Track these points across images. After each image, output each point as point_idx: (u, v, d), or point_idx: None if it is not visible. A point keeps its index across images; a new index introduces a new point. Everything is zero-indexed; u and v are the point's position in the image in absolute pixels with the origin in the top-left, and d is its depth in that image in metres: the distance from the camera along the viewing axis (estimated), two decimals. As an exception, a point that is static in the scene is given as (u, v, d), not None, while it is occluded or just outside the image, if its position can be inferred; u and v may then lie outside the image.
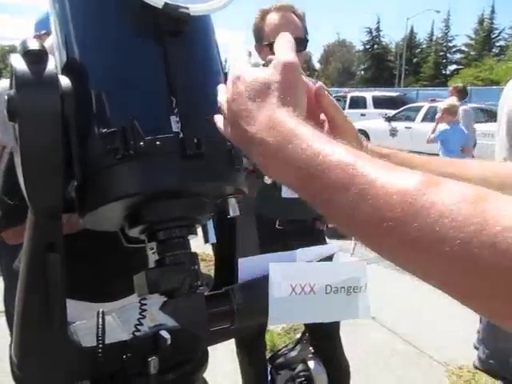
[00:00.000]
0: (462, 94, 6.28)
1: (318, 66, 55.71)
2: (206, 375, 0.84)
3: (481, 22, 43.52)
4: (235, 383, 2.32)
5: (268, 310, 0.69)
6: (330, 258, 0.76)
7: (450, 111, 5.29)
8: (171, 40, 0.63)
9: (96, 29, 0.67)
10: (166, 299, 0.66)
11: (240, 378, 2.27)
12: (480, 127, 10.49)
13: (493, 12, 43.04)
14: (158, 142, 0.59)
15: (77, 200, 0.65)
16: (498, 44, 43.44)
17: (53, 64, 0.59)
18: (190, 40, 0.65)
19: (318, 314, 0.73)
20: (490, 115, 11.54)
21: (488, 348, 2.71)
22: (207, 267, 4.10)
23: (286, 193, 1.87)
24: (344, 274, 0.73)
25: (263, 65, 0.58)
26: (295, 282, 0.70)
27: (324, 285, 0.71)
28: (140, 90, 0.63)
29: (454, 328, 3.19)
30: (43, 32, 1.99)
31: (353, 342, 2.86)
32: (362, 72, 52.07)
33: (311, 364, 2.18)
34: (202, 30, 0.70)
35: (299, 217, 1.98)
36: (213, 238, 0.77)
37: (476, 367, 2.77)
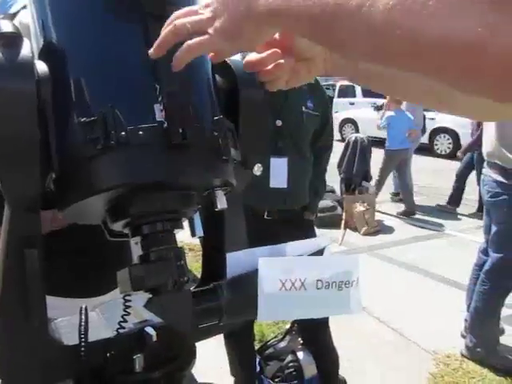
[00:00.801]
0: None
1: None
2: (194, 367, 0.82)
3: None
4: (224, 374, 2.31)
5: (257, 306, 0.66)
6: (320, 252, 0.74)
7: (394, 99, 5.75)
8: (156, 24, 0.60)
9: (75, 12, 0.63)
10: (150, 296, 0.63)
11: (229, 370, 2.26)
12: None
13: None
14: (140, 132, 0.56)
15: (56, 193, 0.62)
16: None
17: (28, 48, 0.56)
18: None
19: (309, 310, 0.71)
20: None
21: (475, 336, 2.74)
22: (196, 257, 4.09)
23: (274, 183, 1.86)
24: (336, 268, 0.71)
25: None
26: (285, 278, 0.67)
27: (315, 280, 0.69)
28: (122, 76, 0.59)
29: (441, 317, 3.22)
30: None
31: (342, 332, 2.87)
32: (352, 61, 52.02)
33: (300, 355, 2.18)
34: None
35: (287, 207, 1.97)
36: (200, 232, 0.74)
37: (463, 355, 2.80)
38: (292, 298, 0.68)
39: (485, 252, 2.85)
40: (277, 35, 0.65)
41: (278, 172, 1.85)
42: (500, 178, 2.56)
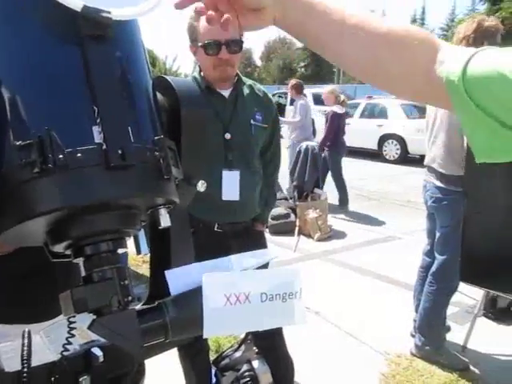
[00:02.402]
0: (298, 89, 7.18)
1: (259, 62, 56.01)
2: (149, 380, 0.82)
3: (413, 21, 45.54)
4: (180, 387, 2.28)
5: (203, 322, 0.67)
6: (265, 266, 0.76)
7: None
8: (91, 45, 0.60)
9: (10, 30, 0.62)
10: (94, 317, 0.63)
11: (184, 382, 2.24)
12: (413, 123, 11.02)
13: (423, 13, 45.37)
14: (78, 154, 0.56)
15: None
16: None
17: None
18: (111, 44, 0.62)
19: (254, 323, 0.72)
20: (422, 111, 12.10)
21: (423, 335, 2.84)
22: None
23: (227, 196, 1.86)
24: (279, 280, 0.73)
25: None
26: (229, 292, 0.69)
27: (259, 293, 0.71)
28: (58, 98, 0.59)
29: (392, 318, 3.32)
30: None
31: (297, 337, 2.91)
32: (303, 69, 52.90)
33: (255, 363, 2.19)
34: (126, 32, 0.67)
35: (238, 219, 1.98)
36: (145, 249, 0.75)
37: (413, 354, 2.90)
38: (237, 312, 0.69)
39: (428, 254, 2.97)
40: None
41: (230, 185, 1.86)
42: (440, 184, 2.67)
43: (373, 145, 11.91)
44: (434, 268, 2.80)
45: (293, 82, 7.34)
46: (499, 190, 2.52)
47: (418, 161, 10.72)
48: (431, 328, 2.84)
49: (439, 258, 2.77)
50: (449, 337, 2.98)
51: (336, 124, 6.46)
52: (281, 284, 0.72)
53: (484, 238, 2.60)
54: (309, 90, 17.80)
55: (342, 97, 6.89)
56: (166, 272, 0.69)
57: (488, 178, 2.43)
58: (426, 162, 2.81)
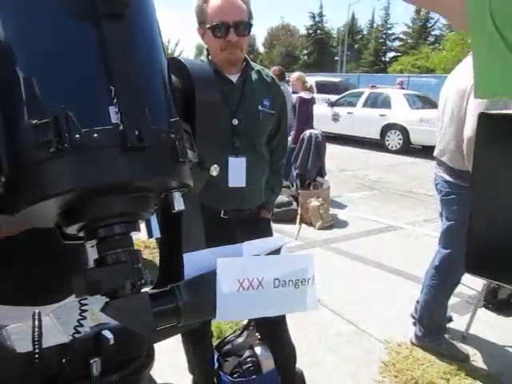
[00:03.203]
0: (280, 76, 7.02)
1: (262, 49, 55.63)
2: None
3: (418, 11, 45.11)
4: (184, 371, 2.30)
5: (215, 307, 0.67)
6: (277, 251, 0.75)
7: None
8: (108, 23, 0.59)
9: (24, 9, 0.61)
10: (107, 300, 0.63)
11: (187, 367, 2.26)
12: (416, 114, 10.98)
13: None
14: (95, 135, 0.55)
15: (5, 198, 0.59)
16: (433, 33, 45.41)
17: None
18: (128, 23, 0.61)
19: (267, 308, 0.72)
20: (425, 102, 12.04)
21: (424, 327, 2.86)
22: (152, 254, 4.04)
23: (233, 182, 1.85)
24: (292, 266, 0.72)
25: None
26: (243, 277, 0.68)
27: (272, 278, 0.70)
28: (75, 77, 0.58)
29: (393, 307, 3.34)
30: None
31: (298, 324, 2.93)
32: (305, 57, 52.58)
33: (258, 349, 2.20)
34: (142, 11, 0.66)
35: (244, 206, 1.97)
36: (157, 233, 0.73)
37: (413, 343, 2.92)
38: (250, 297, 0.69)
39: None
40: None
41: (237, 171, 1.85)
42: (448, 178, 2.65)
43: (375, 134, 11.87)
44: (437, 261, 2.78)
45: (275, 68, 7.31)
46: (507, 181, 2.50)
47: (420, 151, 10.72)
48: (431, 320, 2.85)
49: (443, 251, 2.74)
50: (449, 327, 3.00)
51: (303, 110, 6.45)
52: (294, 270, 0.72)
53: (490, 229, 2.59)
54: (312, 78, 17.76)
55: (309, 83, 7.01)
56: (184, 255, 0.69)
57: (496, 168, 2.42)
58: (435, 153, 2.78)
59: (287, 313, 0.74)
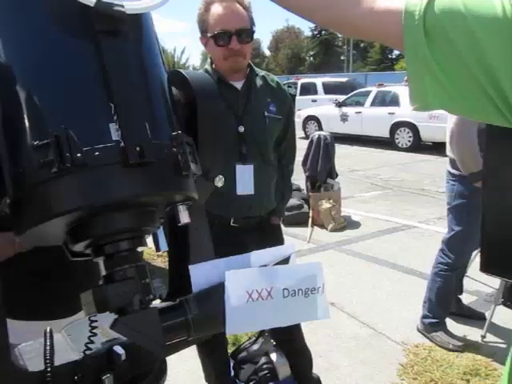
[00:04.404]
0: None
1: (267, 53, 55.73)
2: (168, 373, 0.81)
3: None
4: (199, 380, 2.30)
5: (225, 320, 0.66)
6: (286, 261, 0.74)
7: None
8: (106, 40, 0.59)
9: (24, 29, 0.61)
10: (116, 316, 0.62)
11: (203, 374, 2.25)
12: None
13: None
14: (97, 153, 0.55)
15: (12, 218, 0.60)
16: (439, 28, 44.93)
17: None
18: (126, 40, 0.61)
19: (277, 319, 0.71)
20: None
21: (428, 310, 2.94)
22: (165, 263, 4.04)
23: (241, 190, 1.85)
24: (301, 275, 0.72)
25: None
26: (252, 289, 0.68)
27: (281, 289, 0.70)
28: (74, 96, 0.58)
29: (409, 308, 3.30)
30: None
31: (313, 329, 2.91)
32: (311, 58, 52.56)
33: (273, 356, 2.19)
34: (140, 27, 0.66)
35: (253, 213, 1.97)
36: (164, 246, 0.73)
37: (418, 330, 3.00)
38: (259, 308, 0.68)
39: None
40: None
41: (245, 179, 1.84)
42: (448, 168, 2.83)
43: (385, 133, 11.79)
44: (441, 245, 2.93)
45: None
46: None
47: (431, 148, 10.62)
48: (433, 302, 2.91)
49: (445, 236, 2.93)
50: (468, 326, 2.96)
51: None
52: (303, 279, 0.71)
53: (504, 228, 2.56)
54: (319, 80, 17.75)
55: None
56: (189, 267, 0.68)
57: (508, 165, 2.39)
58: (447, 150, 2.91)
59: (298, 322, 0.73)
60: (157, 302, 0.72)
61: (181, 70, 0.76)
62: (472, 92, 0.59)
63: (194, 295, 0.69)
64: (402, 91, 11.90)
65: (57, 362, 0.64)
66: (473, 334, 2.95)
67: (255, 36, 1.85)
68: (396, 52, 47.35)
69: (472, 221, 2.70)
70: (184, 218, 0.67)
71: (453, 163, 2.75)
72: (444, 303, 2.92)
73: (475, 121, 2.50)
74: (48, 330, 0.68)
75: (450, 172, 2.82)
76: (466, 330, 3.00)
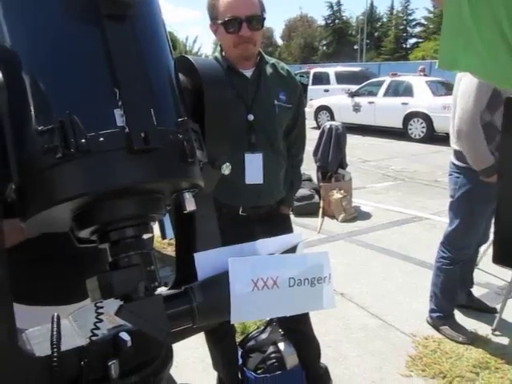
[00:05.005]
0: None
1: (280, 42, 55.33)
2: (177, 361, 0.82)
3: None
4: (208, 367, 2.32)
5: (230, 307, 0.66)
6: (293, 250, 0.74)
7: None
8: (111, 25, 0.58)
9: (28, 14, 0.60)
10: (121, 303, 0.63)
11: (211, 362, 2.27)
12: (439, 101, 10.74)
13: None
14: (101, 139, 0.55)
15: (17, 204, 0.60)
16: (455, 17, 44.15)
17: None
18: (132, 24, 0.60)
19: (283, 308, 0.71)
20: (449, 88, 11.77)
21: (435, 304, 2.93)
22: (174, 251, 4.07)
23: (250, 179, 1.84)
24: (307, 264, 0.71)
25: None
26: (257, 277, 0.67)
27: (287, 278, 0.69)
28: (79, 81, 0.58)
29: (419, 300, 3.28)
30: None
31: (322, 319, 2.91)
32: (324, 47, 52.04)
33: (281, 345, 2.20)
34: (147, 12, 0.65)
35: (263, 202, 1.96)
36: (170, 234, 0.73)
37: (428, 322, 2.98)
38: (265, 297, 0.68)
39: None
40: None
41: (254, 168, 1.83)
42: (452, 159, 2.80)
43: (398, 123, 11.67)
44: (442, 239, 2.93)
45: None
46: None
47: (444, 139, 10.49)
48: (438, 296, 2.90)
49: (447, 229, 2.91)
50: (479, 319, 2.94)
51: None
52: (309, 268, 0.70)
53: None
54: (331, 69, 17.58)
55: None
56: (194, 254, 0.68)
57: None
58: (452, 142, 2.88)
59: (303, 311, 0.73)
60: (163, 290, 0.73)
61: (188, 56, 0.75)
62: (502, 53, 0.56)
63: (199, 283, 0.68)
64: (416, 81, 11.76)
65: (63, 348, 0.65)
66: (483, 327, 2.92)
67: (268, 25, 1.86)
68: (410, 41, 46.72)
69: (475, 214, 2.69)
70: (190, 205, 0.66)
71: (458, 155, 2.71)
72: (449, 297, 2.90)
73: (479, 115, 2.48)
74: (55, 315, 0.68)
75: (454, 164, 2.78)
76: (476, 322, 2.98)
